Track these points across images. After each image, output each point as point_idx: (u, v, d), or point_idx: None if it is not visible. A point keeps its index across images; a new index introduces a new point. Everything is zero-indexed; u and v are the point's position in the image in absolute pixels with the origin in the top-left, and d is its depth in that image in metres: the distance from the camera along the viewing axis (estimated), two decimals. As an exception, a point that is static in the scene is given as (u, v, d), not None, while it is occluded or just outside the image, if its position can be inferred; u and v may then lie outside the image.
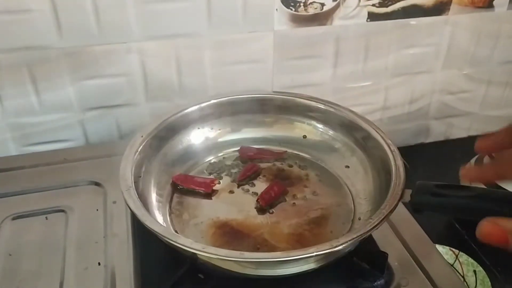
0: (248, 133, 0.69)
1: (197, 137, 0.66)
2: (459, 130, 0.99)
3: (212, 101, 0.67)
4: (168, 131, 0.63)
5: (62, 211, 0.60)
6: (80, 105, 0.77)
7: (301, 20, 0.79)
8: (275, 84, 0.83)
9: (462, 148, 0.97)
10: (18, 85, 0.73)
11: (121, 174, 0.53)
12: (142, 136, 0.59)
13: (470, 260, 0.69)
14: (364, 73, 0.87)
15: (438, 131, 0.99)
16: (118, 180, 0.61)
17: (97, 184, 0.64)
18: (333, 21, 0.80)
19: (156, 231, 0.46)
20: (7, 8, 0.66)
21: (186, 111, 0.64)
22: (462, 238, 0.76)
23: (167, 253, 0.53)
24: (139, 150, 0.57)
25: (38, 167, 0.67)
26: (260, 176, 0.64)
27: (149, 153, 0.60)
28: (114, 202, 0.61)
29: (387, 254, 0.51)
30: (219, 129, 0.68)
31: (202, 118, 0.66)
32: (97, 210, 0.60)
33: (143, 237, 0.57)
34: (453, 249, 0.70)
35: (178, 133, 0.64)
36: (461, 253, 0.70)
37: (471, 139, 0.99)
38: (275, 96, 0.69)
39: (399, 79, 0.89)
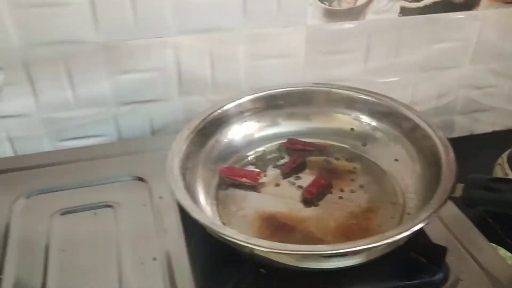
0: (290, 126, 0.68)
1: (240, 130, 0.66)
2: (484, 125, 1.00)
3: (255, 95, 0.67)
4: (213, 125, 0.63)
5: (110, 206, 0.60)
6: (114, 99, 0.77)
7: (334, 15, 0.79)
8: (306, 79, 0.83)
9: (487, 143, 0.98)
10: (54, 79, 0.72)
11: (168, 168, 0.53)
12: (188, 129, 0.59)
13: (508, 254, 0.69)
14: (393, 68, 0.87)
15: (463, 126, 0.99)
16: (162, 175, 0.61)
17: (140, 179, 0.64)
18: (365, 16, 0.80)
19: (216, 231, 0.47)
20: (45, 1, 0.66)
21: (229, 105, 0.65)
22: (495, 233, 0.76)
23: (219, 247, 0.53)
24: (185, 144, 0.58)
25: (79, 162, 0.67)
26: (306, 169, 0.64)
27: (194, 147, 0.60)
28: (160, 197, 0.61)
29: (447, 248, 0.51)
30: (262, 123, 0.68)
31: (245, 112, 0.66)
32: (144, 205, 0.60)
33: (194, 231, 0.56)
34: (491, 244, 0.70)
35: (222, 127, 0.64)
36: (498, 247, 0.70)
37: (496, 134, 0.99)
38: (317, 88, 0.69)
39: (427, 74, 0.90)
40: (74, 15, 0.68)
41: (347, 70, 0.85)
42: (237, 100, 0.66)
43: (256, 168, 0.64)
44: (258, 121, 0.67)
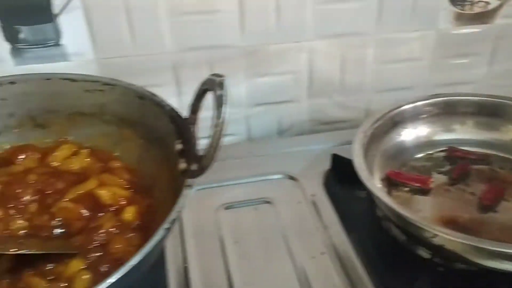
0: (459, 134, 0.70)
1: (412, 132, 0.68)
2: None
3: (430, 100, 0.69)
4: (389, 124, 0.65)
5: (268, 202, 0.63)
6: (248, 101, 0.80)
7: (464, 19, 0.79)
8: (430, 82, 0.85)
9: None
10: (198, 82, 0.76)
11: (358, 168, 0.55)
12: (365, 130, 0.62)
13: None
14: (517, 71, 0.87)
15: None
16: (310, 173, 0.65)
17: (291, 177, 0.67)
18: (494, 20, 0.80)
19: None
20: (199, 9, 0.70)
21: (402, 108, 0.67)
22: None
23: (383, 243, 0.56)
24: (364, 142, 0.60)
25: (227, 160, 0.71)
26: (472, 177, 0.64)
27: (371, 145, 0.62)
28: (313, 195, 0.64)
29: None
30: (432, 128, 0.69)
31: (421, 114, 0.68)
32: (299, 202, 0.63)
33: (352, 227, 0.59)
34: None
35: (397, 126, 0.66)
36: None
37: None
38: (489, 99, 0.70)
39: (549, 78, 0.89)
40: (224, 21, 0.72)
41: (471, 73, 0.86)
42: (415, 102, 0.68)
43: (420, 172, 0.65)
44: (429, 126, 0.69)
